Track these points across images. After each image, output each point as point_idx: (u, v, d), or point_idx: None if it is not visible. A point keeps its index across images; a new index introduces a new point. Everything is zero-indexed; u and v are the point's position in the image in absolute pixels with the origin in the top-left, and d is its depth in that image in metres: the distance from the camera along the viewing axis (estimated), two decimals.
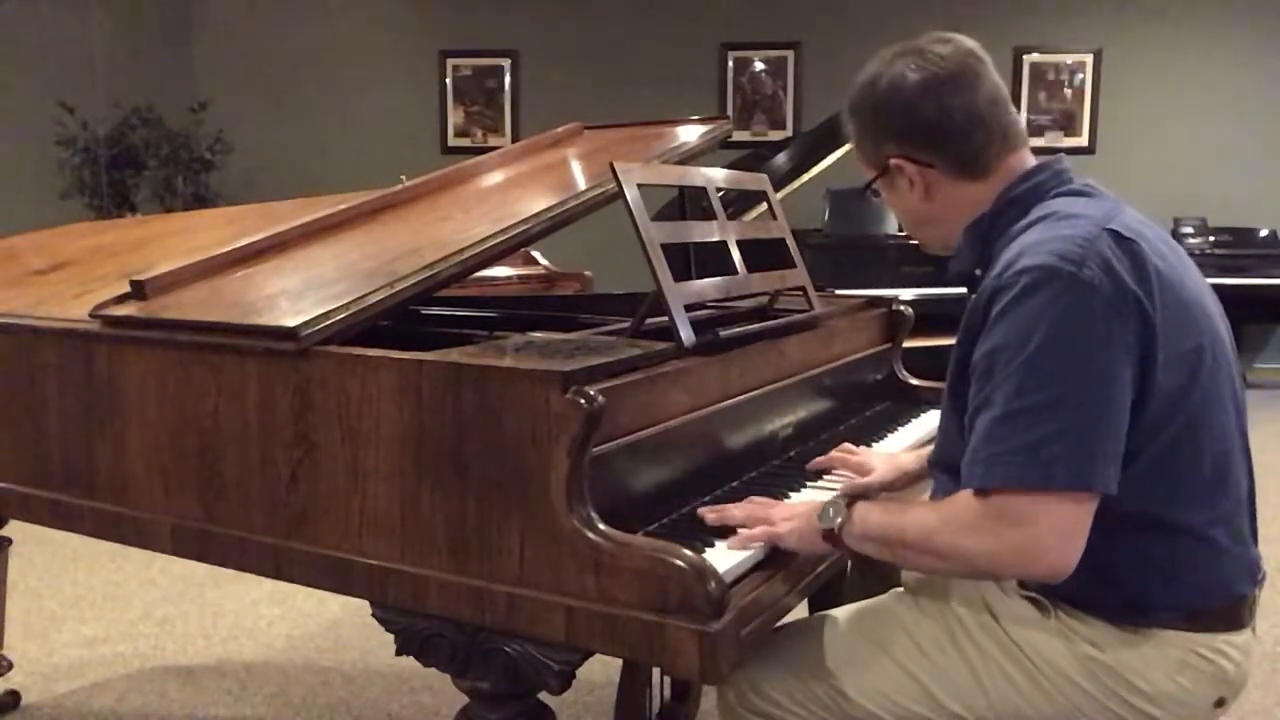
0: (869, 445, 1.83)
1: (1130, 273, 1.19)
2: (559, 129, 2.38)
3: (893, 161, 1.38)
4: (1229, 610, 1.31)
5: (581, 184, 1.86)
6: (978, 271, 1.37)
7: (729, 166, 2.44)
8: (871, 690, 1.35)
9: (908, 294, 4.64)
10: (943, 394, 1.38)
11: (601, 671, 2.36)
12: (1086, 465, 1.14)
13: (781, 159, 5.48)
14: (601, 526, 1.16)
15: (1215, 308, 1.33)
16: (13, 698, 2.49)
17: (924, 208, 1.40)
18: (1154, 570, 1.27)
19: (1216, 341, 1.29)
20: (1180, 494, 1.26)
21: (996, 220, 1.35)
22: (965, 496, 1.20)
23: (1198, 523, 1.27)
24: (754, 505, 1.37)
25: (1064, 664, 1.29)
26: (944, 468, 1.39)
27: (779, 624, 1.33)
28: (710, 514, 1.36)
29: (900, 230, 5.36)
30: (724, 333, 1.56)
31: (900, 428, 1.96)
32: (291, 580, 1.39)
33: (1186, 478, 1.26)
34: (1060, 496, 1.15)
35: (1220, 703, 1.31)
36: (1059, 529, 1.15)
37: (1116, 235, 1.22)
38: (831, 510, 1.30)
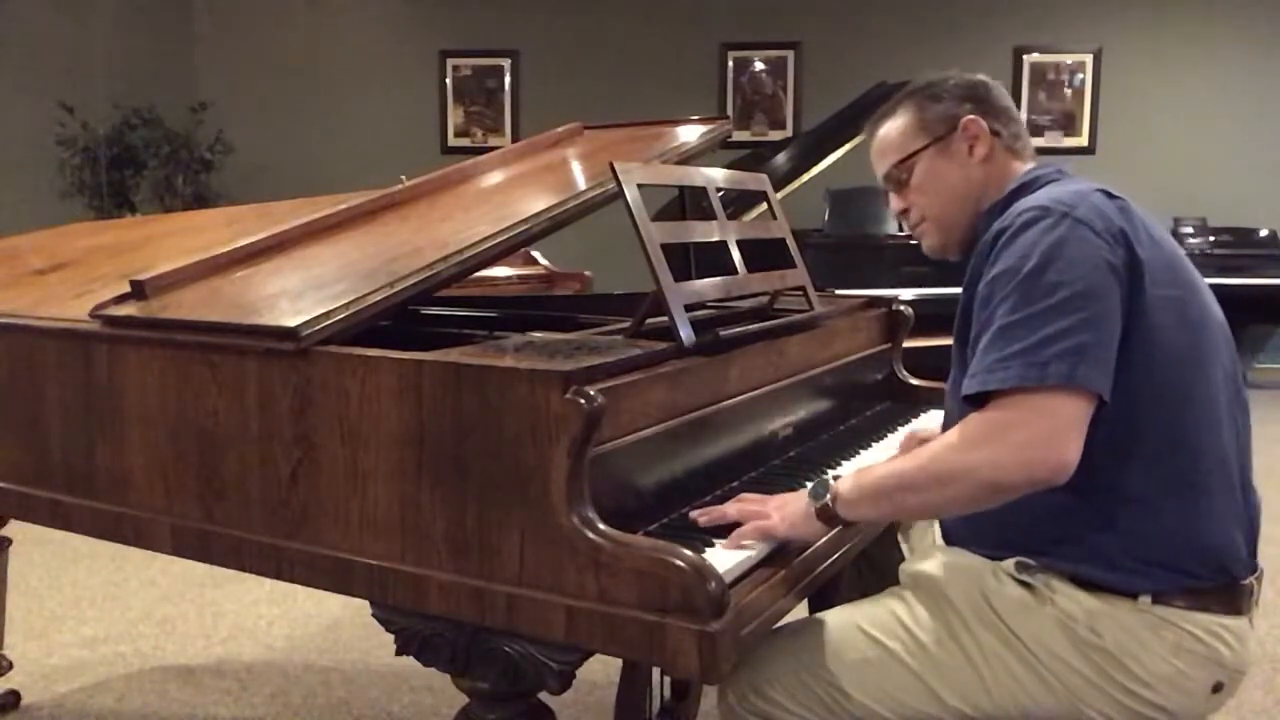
0: (869, 445, 1.83)
1: (1118, 217, 1.32)
2: (559, 129, 2.37)
3: (968, 118, 1.50)
4: (1224, 589, 1.32)
5: (581, 184, 1.86)
6: None
7: (729, 166, 2.44)
8: (872, 688, 1.36)
9: (908, 294, 4.63)
10: (951, 359, 1.44)
11: (601, 671, 2.36)
12: (1080, 366, 1.21)
13: (781, 159, 5.48)
14: (601, 526, 1.16)
15: (1203, 285, 1.41)
16: (13, 698, 2.50)
17: (975, 174, 1.50)
18: (1143, 507, 1.30)
19: (1205, 308, 1.37)
20: (1170, 432, 1.31)
21: (1008, 205, 1.43)
22: (967, 419, 1.26)
23: (1186, 464, 1.31)
24: (746, 502, 1.38)
25: (1063, 651, 1.31)
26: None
27: (779, 624, 1.33)
28: (702, 516, 1.37)
29: (901, 230, 5.35)
30: (724, 333, 1.56)
31: (900, 428, 1.96)
32: (291, 580, 1.39)
33: (1176, 418, 1.31)
34: (1056, 393, 1.21)
35: (1218, 688, 1.32)
36: (1057, 425, 1.21)
37: (1107, 193, 1.37)
38: (819, 487, 1.35)
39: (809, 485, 1.38)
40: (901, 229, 5.29)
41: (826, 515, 1.33)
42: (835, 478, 1.37)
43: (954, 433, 1.27)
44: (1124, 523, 1.30)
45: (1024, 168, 1.51)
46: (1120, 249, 1.29)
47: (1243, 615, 1.34)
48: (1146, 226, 1.35)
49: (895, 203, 1.59)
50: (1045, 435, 1.21)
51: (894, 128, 1.56)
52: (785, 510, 1.35)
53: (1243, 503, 1.37)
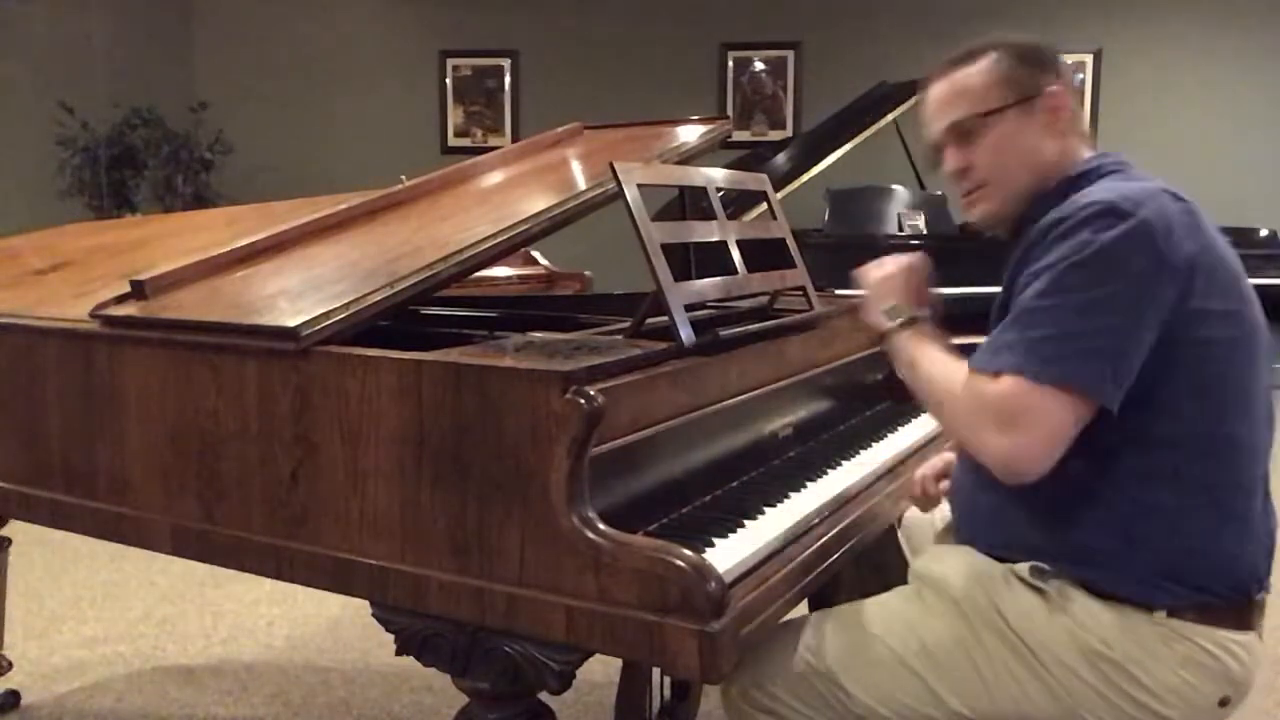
0: (869, 445, 1.83)
1: (1185, 222, 1.26)
2: (559, 129, 2.38)
3: (1054, 88, 1.42)
4: (1238, 606, 1.31)
5: (581, 184, 1.86)
6: None
7: (729, 166, 2.43)
8: (875, 688, 1.35)
9: None
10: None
11: (601, 671, 2.36)
12: (1085, 371, 1.20)
13: (781, 159, 5.48)
14: (601, 526, 1.16)
15: (1254, 296, 1.37)
16: (13, 698, 2.50)
17: (1049, 148, 1.42)
18: (1172, 522, 1.28)
19: (1254, 323, 1.34)
20: (1211, 448, 1.29)
21: (1063, 193, 1.38)
22: (972, 378, 1.29)
23: (1222, 481, 1.30)
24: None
25: (1070, 659, 1.30)
26: None
27: (785, 620, 1.33)
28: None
29: (900, 230, 5.34)
30: (724, 333, 1.56)
31: (900, 428, 1.96)
32: (292, 580, 1.39)
33: (1218, 434, 1.29)
34: (1047, 393, 1.21)
35: (1224, 702, 1.32)
36: (1041, 425, 1.22)
37: (1175, 195, 1.30)
38: (894, 313, 1.48)
39: (892, 307, 1.49)
40: (901, 228, 5.32)
41: (881, 333, 1.48)
42: (911, 317, 1.47)
43: (961, 393, 1.30)
44: (1150, 537, 1.28)
45: (1087, 152, 1.43)
46: (1182, 256, 1.23)
47: (1252, 631, 1.33)
48: (1211, 235, 1.30)
49: (953, 159, 1.45)
50: (1023, 434, 1.22)
51: (977, 75, 1.43)
52: (872, 291, 1.52)
53: (1264, 519, 1.35)
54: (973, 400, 1.27)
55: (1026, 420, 1.22)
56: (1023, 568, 1.34)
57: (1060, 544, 1.32)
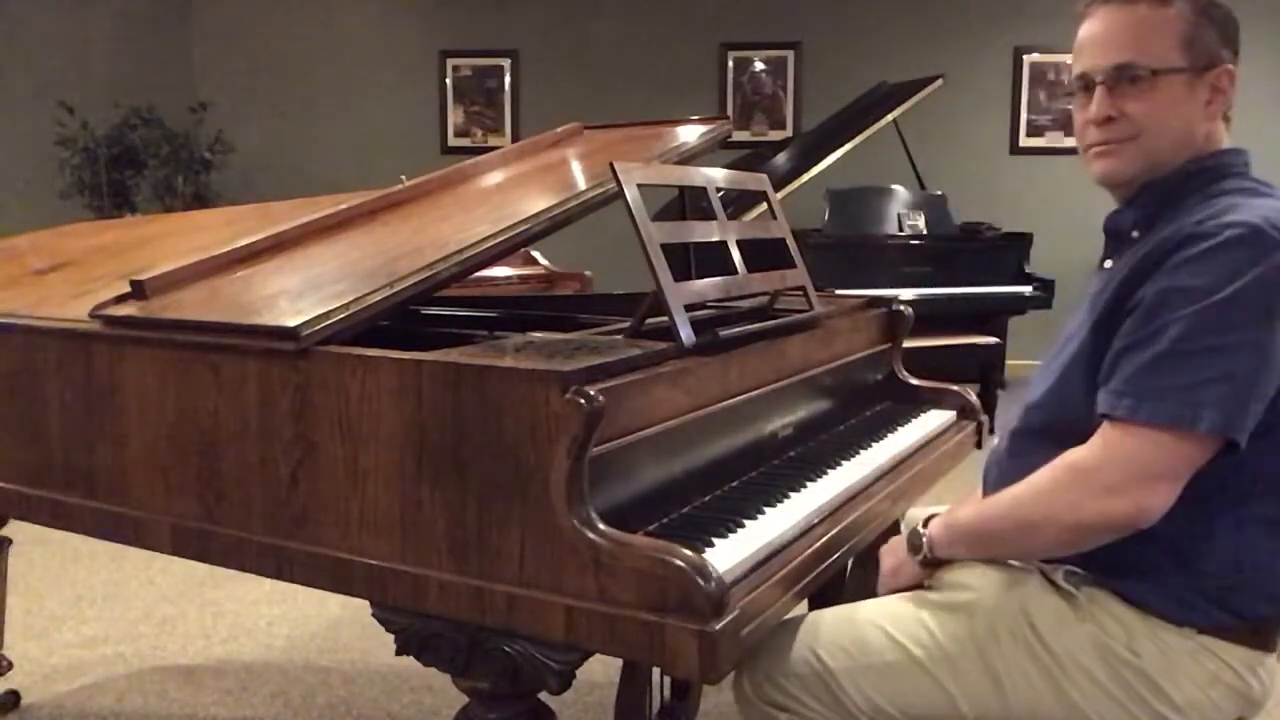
0: (869, 445, 1.83)
1: None
2: (559, 129, 2.38)
3: (1228, 67, 1.34)
4: (1268, 629, 1.31)
5: (581, 184, 1.86)
6: (1135, 234, 1.35)
7: (729, 166, 2.43)
8: (888, 690, 1.35)
9: (908, 294, 4.63)
10: (1065, 348, 1.37)
11: (601, 671, 2.37)
12: (1235, 414, 1.17)
13: (781, 159, 5.49)
14: (601, 526, 1.16)
15: None
16: (13, 698, 2.50)
17: (1200, 126, 1.34)
18: (1223, 552, 1.26)
19: None
20: None
21: (1180, 185, 1.33)
22: (1113, 430, 1.21)
23: None
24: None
25: (1091, 664, 1.28)
26: (1053, 435, 1.32)
27: (800, 615, 1.33)
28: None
29: (900, 230, 5.34)
30: (724, 333, 1.56)
31: (900, 428, 1.96)
32: (291, 580, 1.39)
33: None
34: (1195, 439, 1.18)
35: None
36: (1175, 470, 1.19)
37: None
38: (915, 538, 1.44)
39: (908, 537, 1.47)
40: (901, 228, 5.32)
41: (928, 561, 1.43)
42: (927, 521, 1.44)
43: (1081, 457, 1.23)
44: (1200, 561, 1.27)
45: (1225, 140, 1.36)
46: None
47: (1273, 652, 1.32)
48: None
49: (1104, 104, 1.33)
50: (1160, 481, 1.18)
51: (1165, 23, 1.31)
52: (892, 560, 1.50)
53: None
54: (1111, 456, 1.20)
55: (1172, 468, 1.19)
56: (1054, 570, 1.33)
57: (1102, 554, 1.28)
